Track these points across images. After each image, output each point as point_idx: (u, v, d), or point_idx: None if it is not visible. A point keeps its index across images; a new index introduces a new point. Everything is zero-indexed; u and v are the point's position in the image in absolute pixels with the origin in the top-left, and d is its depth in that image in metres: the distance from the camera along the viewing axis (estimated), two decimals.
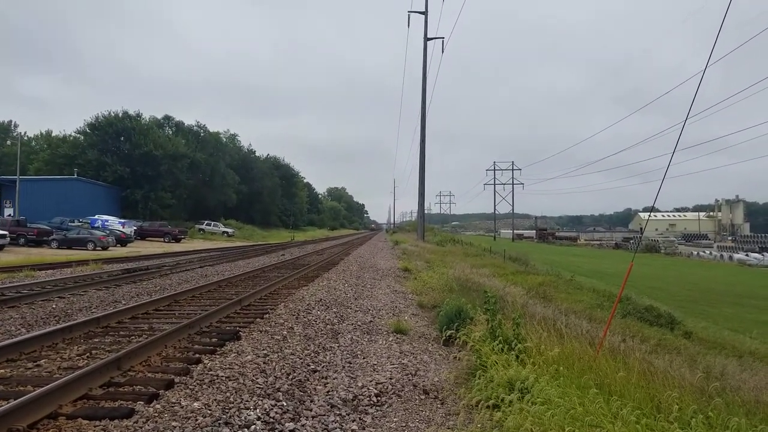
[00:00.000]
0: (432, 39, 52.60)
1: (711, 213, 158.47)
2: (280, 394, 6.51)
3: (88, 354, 8.04)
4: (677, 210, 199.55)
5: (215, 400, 6.19)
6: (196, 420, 5.66)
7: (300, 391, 6.58)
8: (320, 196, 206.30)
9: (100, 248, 38.02)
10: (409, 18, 55.11)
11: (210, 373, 7.04)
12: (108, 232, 42.75)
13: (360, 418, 5.93)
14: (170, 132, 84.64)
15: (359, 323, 10.79)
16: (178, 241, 55.20)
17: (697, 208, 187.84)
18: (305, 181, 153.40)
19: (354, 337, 9.60)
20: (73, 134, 70.58)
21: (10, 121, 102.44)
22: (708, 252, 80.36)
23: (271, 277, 18.58)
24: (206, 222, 74.44)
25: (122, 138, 67.95)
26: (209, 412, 5.83)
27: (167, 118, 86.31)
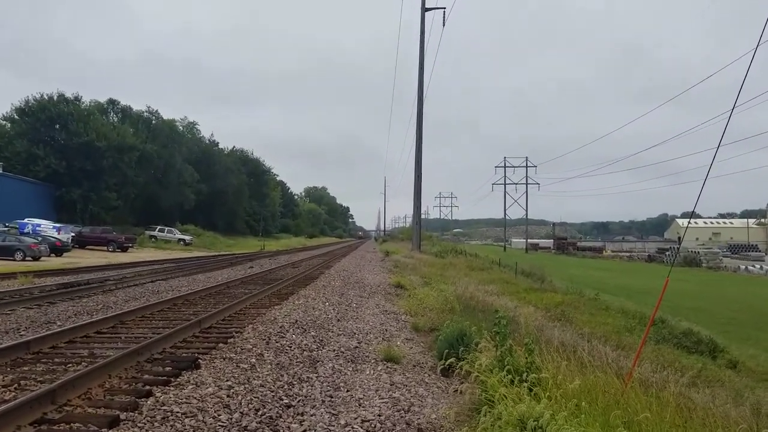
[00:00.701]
0: (431, 9, 52.11)
1: (762, 220, 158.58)
2: None
3: (15, 385, 7.99)
4: (722, 216, 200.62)
5: None
6: None
7: (271, 430, 6.54)
8: (296, 197, 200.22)
9: (30, 258, 37.71)
10: None
11: (163, 408, 7.03)
12: (40, 238, 42.22)
13: None
14: (115, 119, 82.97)
15: (342, 349, 10.73)
16: (124, 250, 54.55)
17: (746, 214, 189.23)
18: (278, 179, 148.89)
19: (336, 365, 9.54)
20: None
21: None
22: (759, 266, 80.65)
23: (237, 293, 18.40)
24: (159, 228, 73.61)
25: (57, 126, 66.63)
26: None
27: (111, 102, 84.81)
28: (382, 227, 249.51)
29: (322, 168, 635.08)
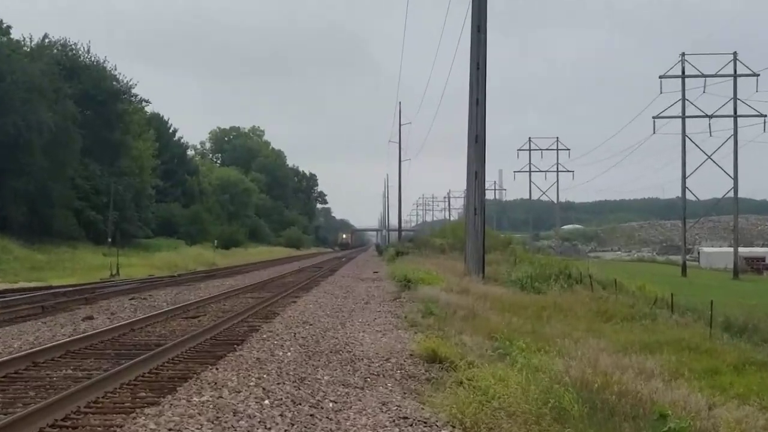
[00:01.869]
0: None
1: None
2: None
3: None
4: None
5: None
6: None
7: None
8: (195, 151, 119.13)
9: None
10: None
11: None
12: None
13: None
14: None
15: None
16: None
17: None
18: (152, 112, 78.28)
19: None
20: None
21: None
22: None
23: None
24: None
25: None
26: None
27: None
28: (390, 223, 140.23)
29: (260, 91, 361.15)
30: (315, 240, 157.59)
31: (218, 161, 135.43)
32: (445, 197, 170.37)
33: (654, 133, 71.68)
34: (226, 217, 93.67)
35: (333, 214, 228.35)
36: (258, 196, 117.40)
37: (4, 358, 10.21)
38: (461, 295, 21.20)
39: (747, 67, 64.97)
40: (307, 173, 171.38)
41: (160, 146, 73.47)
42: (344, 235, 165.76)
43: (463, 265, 30.64)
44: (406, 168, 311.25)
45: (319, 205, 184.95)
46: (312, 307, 19.55)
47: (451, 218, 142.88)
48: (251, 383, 8.94)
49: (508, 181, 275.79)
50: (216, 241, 65.49)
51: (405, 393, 8.96)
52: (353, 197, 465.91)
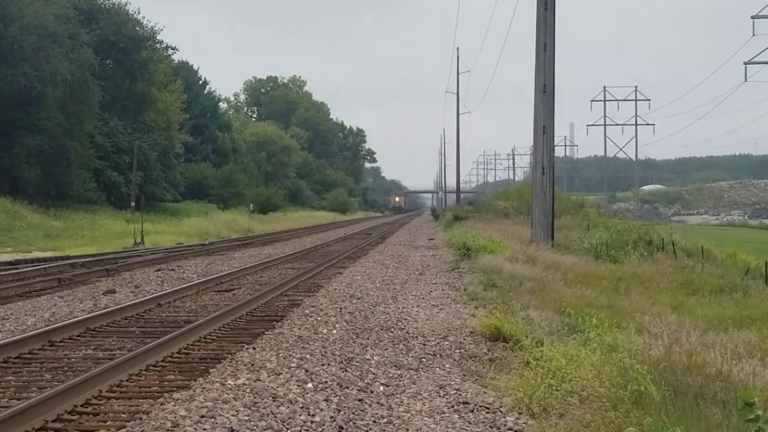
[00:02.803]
0: None
1: None
2: None
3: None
4: None
5: None
6: None
7: None
8: (228, 104, 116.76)
9: None
10: None
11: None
12: None
13: None
14: None
15: None
16: None
17: None
18: (182, 60, 77.58)
19: None
20: None
21: None
22: None
23: None
24: None
25: None
26: None
27: None
28: (452, 184, 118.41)
29: (301, 35, 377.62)
30: (362, 203, 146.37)
31: (254, 115, 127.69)
32: (508, 155, 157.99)
33: (746, 80, 64.15)
34: (263, 177, 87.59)
35: (383, 175, 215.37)
36: (298, 154, 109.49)
37: (18, 337, 9.87)
38: (527, 265, 20.30)
39: None
40: (354, 128, 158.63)
41: (188, 99, 70.39)
42: (397, 198, 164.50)
43: (530, 231, 29.17)
44: (465, 122, 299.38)
45: (367, 164, 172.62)
46: (360, 279, 18.54)
47: (516, 179, 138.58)
48: (292, 364, 8.59)
49: (581, 136, 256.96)
50: (252, 205, 63.05)
51: (465, 375, 8.48)
52: (406, 156, 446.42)
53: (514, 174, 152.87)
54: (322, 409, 6.75)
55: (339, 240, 38.53)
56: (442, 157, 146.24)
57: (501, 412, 6.97)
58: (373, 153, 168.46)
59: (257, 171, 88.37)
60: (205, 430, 6.02)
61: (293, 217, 72.91)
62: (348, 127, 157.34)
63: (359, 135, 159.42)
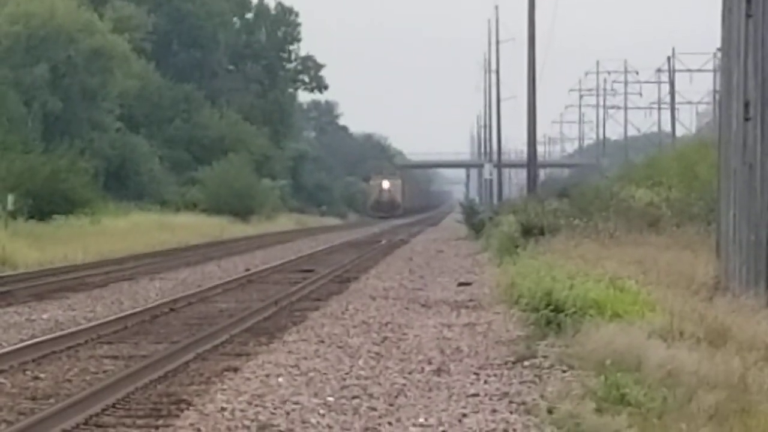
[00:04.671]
0: None
1: None
2: None
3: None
4: None
5: None
6: None
7: None
8: None
9: None
10: None
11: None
12: None
13: None
14: None
15: None
16: None
17: None
18: None
19: None
20: None
21: None
22: None
23: None
24: None
25: None
26: None
27: None
28: (514, 149, 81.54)
29: None
30: (292, 193, 77.20)
31: None
32: (658, 70, 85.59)
33: None
34: (40, 129, 46.74)
35: (349, 130, 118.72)
36: (132, 68, 53.92)
37: None
38: (707, 348, 8.67)
39: None
40: (274, 5, 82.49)
41: None
42: (384, 183, 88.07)
43: (714, 262, 14.75)
44: None
45: (305, 95, 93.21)
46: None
47: (676, 133, 75.92)
48: None
49: None
50: (11, 198, 31.94)
51: None
52: (404, 103, 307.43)
53: (670, 124, 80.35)
54: None
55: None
56: (488, 72, 74.24)
57: None
58: (320, 68, 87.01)
59: (25, 112, 46.33)
60: None
61: (114, 229, 36.69)
62: (259, 2, 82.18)
63: (285, 21, 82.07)
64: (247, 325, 13.23)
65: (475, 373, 9.07)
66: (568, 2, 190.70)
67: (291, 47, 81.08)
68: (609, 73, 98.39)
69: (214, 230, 46.39)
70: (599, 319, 10.52)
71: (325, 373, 8.99)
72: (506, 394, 7.84)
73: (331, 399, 7.48)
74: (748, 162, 12.47)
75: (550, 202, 32.67)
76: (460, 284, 20.23)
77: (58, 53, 49.35)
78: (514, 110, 58.22)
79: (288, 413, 6.76)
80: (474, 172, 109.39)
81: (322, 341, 11.70)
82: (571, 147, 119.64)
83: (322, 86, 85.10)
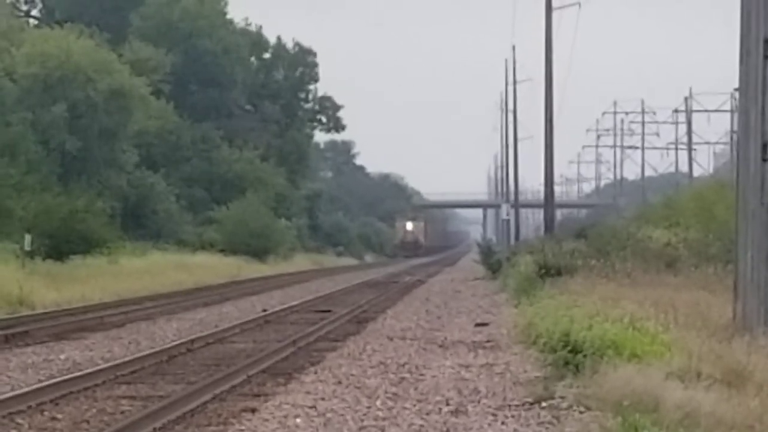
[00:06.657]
0: None
1: None
2: None
3: None
4: None
5: None
6: None
7: None
8: None
9: None
10: None
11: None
12: None
13: None
14: None
15: None
16: None
17: None
18: None
19: None
20: None
21: None
22: None
23: None
24: None
25: None
26: None
27: None
28: (530, 189, 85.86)
29: None
30: (309, 234, 76.90)
31: (37, 13, 67.71)
32: (675, 111, 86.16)
33: None
34: (58, 168, 46.89)
35: (366, 170, 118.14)
36: (149, 107, 52.91)
37: None
38: (725, 389, 8.47)
39: None
40: (290, 45, 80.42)
41: None
42: (408, 225, 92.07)
43: (731, 303, 14.30)
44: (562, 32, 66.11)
45: (321, 135, 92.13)
46: None
47: (693, 174, 77.53)
48: None
49: None
50: (29, 239, 31.15)
51: None
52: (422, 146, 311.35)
53: (687, 165, 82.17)
54: None
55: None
56: (504, 122, 74.63)
57: None
58: (338, 109, 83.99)
59: (42, 152, 46.07)
60: None
61: (132, 269, 36.81)
62: (277, 42, 79.75)
63: (303, 61, 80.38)
64: (265, 366, 13.30)
65: (492, 414, 9.20)
66: (585, 42, 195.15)
67: (309, 87, 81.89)
68: (626, 113, 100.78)
69: (231, 270, 46.55)
70: (617, 360, 10.41)
71: (342, 414, 9.11)
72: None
73: None
74: (766, 203, 12.69)
75: (567, 242, 32.81)
76: (478, 324, 20.54)
77: (76, 93, 49.00)
78: (531, 150, 53.84)
79: None
80: (491, 212, 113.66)
81: (340, 382, 11.77)
82: (588, 187, 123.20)
83: (339, 127, 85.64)
